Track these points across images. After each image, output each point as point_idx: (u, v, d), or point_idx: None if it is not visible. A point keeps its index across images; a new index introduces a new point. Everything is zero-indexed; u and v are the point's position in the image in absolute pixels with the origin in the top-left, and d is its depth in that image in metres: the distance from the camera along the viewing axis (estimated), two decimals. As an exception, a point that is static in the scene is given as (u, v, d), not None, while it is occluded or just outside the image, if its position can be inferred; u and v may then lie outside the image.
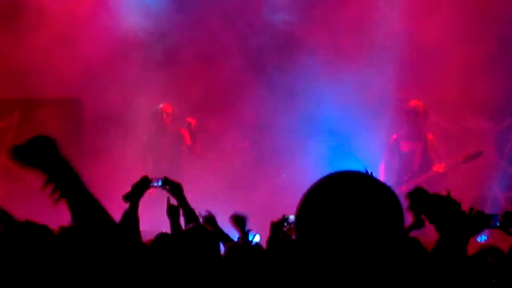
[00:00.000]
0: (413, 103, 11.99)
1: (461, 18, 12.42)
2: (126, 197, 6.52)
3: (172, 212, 6.85)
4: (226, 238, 6.69)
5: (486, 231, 5.57)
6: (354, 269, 2.06)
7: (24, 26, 13.33)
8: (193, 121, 12.41)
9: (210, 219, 7.02)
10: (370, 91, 12.79)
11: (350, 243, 2.06)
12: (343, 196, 2.10)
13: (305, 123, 13.25)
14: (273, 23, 13.42)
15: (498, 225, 5.29)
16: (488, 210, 5.76)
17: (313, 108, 13.34)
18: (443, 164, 11.51)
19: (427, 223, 4.75)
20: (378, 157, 12.17)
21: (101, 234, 3.04)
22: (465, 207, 5.69)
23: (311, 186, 2.15)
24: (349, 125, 13.01)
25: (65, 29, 13.24)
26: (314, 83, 13.19)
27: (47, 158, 3.05)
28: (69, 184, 3.01)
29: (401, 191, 10.76)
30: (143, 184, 6.68)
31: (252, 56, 13.39)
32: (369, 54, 12.88)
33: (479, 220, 5.47)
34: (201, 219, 6.92)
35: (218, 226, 6.95)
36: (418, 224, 6.48)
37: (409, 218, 6.41)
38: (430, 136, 11.96)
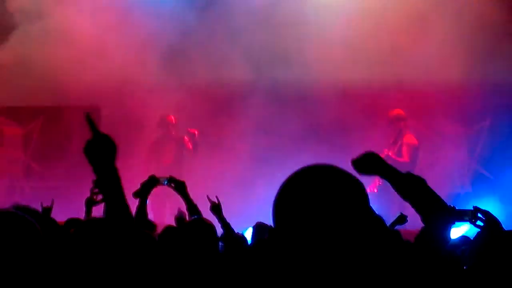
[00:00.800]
0: (395, 111, 12.22)
1: (436, 31, 12.46)
2: (136, 194, 6.55)
3: (215, 209, 6.97)
4: (226, 225, 6.80)
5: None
6: (327, 247, 2.06)
7: (50, 38, 13.30)
8: (196, 132, 12.50)
9: (216, 206, 7.04)
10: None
11: (321, 220, 2.06)
12: (314, 182, 2.11)
13: (300, 129, 13.21)
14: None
15: (468, 219, 5.32)
16: (460, 206, 5.71)
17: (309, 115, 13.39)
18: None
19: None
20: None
21: (124, 228, 3.08)
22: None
23: (288, 176, 2.17)
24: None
25: (89, 41, 13.21)
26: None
27: (107, 161, 3.05)
28: (112, 187, 3.03)
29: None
30: (151, 183, 6.75)
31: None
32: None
33: (452, 213, 5.51)
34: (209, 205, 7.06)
35: (222, 214, 6.98)
36: (401, 220, 6.54)
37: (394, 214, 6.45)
38: (408, 136, 12.05)
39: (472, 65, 12.18)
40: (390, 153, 11.64)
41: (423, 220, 4.14)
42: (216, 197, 7.14)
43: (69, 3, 13.51)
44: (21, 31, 13.55)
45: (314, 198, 2.06)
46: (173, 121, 12.79)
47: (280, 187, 2.13)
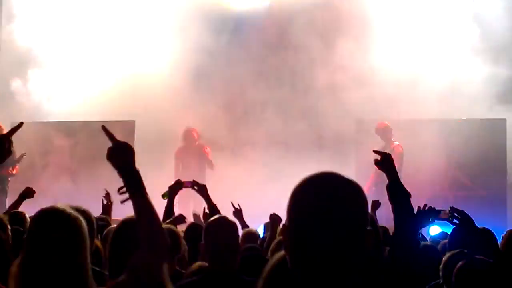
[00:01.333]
0: (382, 124, 12.22)
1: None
2: (164, 196, 6.59)
3: (237, 214, 7.10)
4: (246, 226, 6.99)
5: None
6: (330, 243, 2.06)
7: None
8: (209, 148, 12.72)
9: (238, 211, 7.19)
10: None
11: (328, 217, 2.05)
12: (321, 188, 2.10)
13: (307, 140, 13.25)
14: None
15: (445, 218, 5.36)
16: (439, 206, 5.74)
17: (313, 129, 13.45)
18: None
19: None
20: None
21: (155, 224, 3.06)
22: (421, 204, 5.75)
23: (300, 181, 2.15)
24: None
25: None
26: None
27: (127, 164, 3.08)
28: (137, 189, 3.04)
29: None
30: (177, 186, 6.75)
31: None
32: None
33: (431, 213, 5.55)
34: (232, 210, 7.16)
35: (242, 218, 7.16)
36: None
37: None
38: (395, 146, 12.02)
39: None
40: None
41: (394, 220, 4.38)
42: (238, 204, 7.28)
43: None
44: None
45: (322, 199, 2.08)
46: (195, 135, 12.78)
47: (293, 190, 2.15)
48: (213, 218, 4.58)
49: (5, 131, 10.97)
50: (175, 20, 13.62)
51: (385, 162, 4.58)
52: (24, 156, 11.53)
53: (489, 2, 12.77)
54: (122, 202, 3.17)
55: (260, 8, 14.01)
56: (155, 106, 13.22)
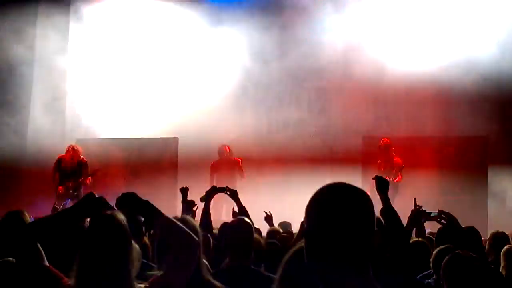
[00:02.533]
0: (385, 140, 12.11)
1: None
2: (202, 199, 6.68)
3: (268, 219, 7.24)
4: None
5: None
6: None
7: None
8: (241, 160, 12.60)
9: (268, 217, 7.32)
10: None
11: (341, 220, 2.08)
12: (335, 196, 2.13)
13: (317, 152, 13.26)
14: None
15: (434, 218, 5.39)
16: (430, 209, 5.76)
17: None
18: (399, 177, 11.63)
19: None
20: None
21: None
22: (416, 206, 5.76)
23: (316, 192, 2.17)
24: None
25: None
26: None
27: (138, 206, 3.06)
28: (155, 214, 3.05)
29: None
30: (213, 191, 6.82)
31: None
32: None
33: (422, 214, 5.58)
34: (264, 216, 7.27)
35: (272, 223, 7.24)
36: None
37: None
38: (396, 159, 11.94)
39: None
40: (391, 178, 11.46)
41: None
42: (269, 211, 7.38)
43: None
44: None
45: (336, 205, 2.10)
46: (228, 150, 12.85)
47: (312, 196, 2.15)
48: (232, 220, 4.65)
49: (82, 153, 11.14)
50: (219, 46, 13.58)
51: (381, 188, 4.76)
52: (98, 171, 11.56)
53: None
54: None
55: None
56: (197, 123, 13.22)
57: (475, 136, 12.66)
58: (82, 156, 11.44)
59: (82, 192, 11.23)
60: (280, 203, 11.07)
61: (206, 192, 6.75)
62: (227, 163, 12.64)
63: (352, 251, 2.06)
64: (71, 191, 11.04)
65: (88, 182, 11.29)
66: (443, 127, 12.78)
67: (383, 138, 12.30)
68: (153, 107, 13.77)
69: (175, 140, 13.53)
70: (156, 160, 13.27)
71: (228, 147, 12.88)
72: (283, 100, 13.81)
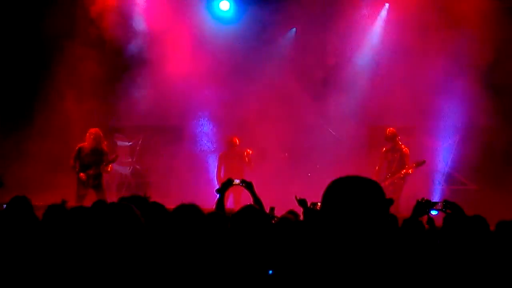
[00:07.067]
0: (391, 130, 11.89)
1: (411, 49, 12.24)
2: (218, 191, 6.71)
3: (301, 203, 6.79)
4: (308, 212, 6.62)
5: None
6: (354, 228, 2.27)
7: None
8: (251, 151, 12.54)
9: (302, 200, 6.77)
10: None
11: (354, 206, 2.25)
12: (349, 187, 2.29)
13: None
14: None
15: (440, 207, 5.47)
16: (435, 198, 5.86)
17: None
18: (409, 168, 11.54)
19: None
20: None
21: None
22: (422, 196, 5.85)
23: (330, 182, 2.34)
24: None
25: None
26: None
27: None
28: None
29: (384, 184, 10.91)
30: (228, 183, 6.80)
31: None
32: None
33: (428, 204, 5.66)
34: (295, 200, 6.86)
35: (307, 205, 6.68)
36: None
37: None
38: (404, 149, 11.78)
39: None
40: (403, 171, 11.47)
41: None
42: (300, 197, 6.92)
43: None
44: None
45: (350, 193, 2.26)
46: (237, 142, 12.73)
47: (328, 186, 2.33)
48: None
49: (102, 141, 11.09)
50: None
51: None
52: (117, 157, 11.54)
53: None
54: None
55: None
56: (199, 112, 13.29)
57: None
58: (102, 144, 11.22)
59: (103, 180, 11.24)
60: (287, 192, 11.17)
61: (222, 184, 6.78)
62: (235, 155, 12.58)
63: (362, 233, 2.25)
64: (91, 180, 10.94)
65: (109, 169, 11.20)
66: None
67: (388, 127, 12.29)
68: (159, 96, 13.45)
69: (179, 128, 13.55)
70: (183, 146, 13.38)
71: (237, 138, 12.83)
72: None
